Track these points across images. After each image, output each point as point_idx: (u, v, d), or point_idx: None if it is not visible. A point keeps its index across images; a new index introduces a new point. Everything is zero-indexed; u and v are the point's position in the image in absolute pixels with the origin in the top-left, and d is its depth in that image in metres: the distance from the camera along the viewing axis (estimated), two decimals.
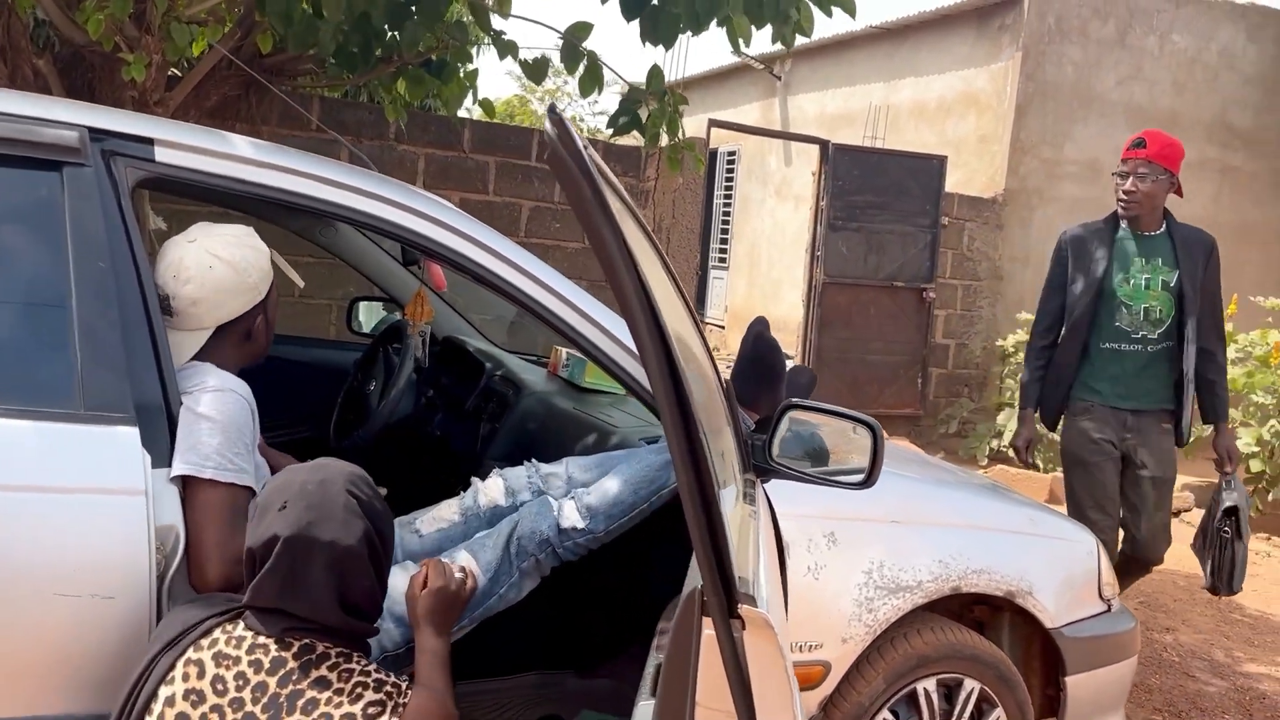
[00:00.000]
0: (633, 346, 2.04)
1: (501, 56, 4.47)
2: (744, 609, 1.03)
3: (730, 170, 12.77)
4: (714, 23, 3.80)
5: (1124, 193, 3.41)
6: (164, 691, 1.37)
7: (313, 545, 1.40)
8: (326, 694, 1.33)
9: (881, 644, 2.26)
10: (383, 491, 1.59)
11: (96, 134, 1.71)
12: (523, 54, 4.43)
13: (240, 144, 1.88)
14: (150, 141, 1.76)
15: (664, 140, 4.70)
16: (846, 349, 7.98)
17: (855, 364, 8.03)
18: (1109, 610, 2.66)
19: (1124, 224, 3.51)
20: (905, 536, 2.28)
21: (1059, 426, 3.66)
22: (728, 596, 1.02)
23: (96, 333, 1.60)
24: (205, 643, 1.39)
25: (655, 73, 4.46)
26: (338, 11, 3.74)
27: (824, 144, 7.83)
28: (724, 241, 12.90)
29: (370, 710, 1.34)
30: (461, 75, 4.88)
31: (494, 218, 6.42)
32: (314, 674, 1.35)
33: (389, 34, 4.55)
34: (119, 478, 1.54)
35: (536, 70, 4.61)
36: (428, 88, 4.86)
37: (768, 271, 11.67)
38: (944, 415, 8.44)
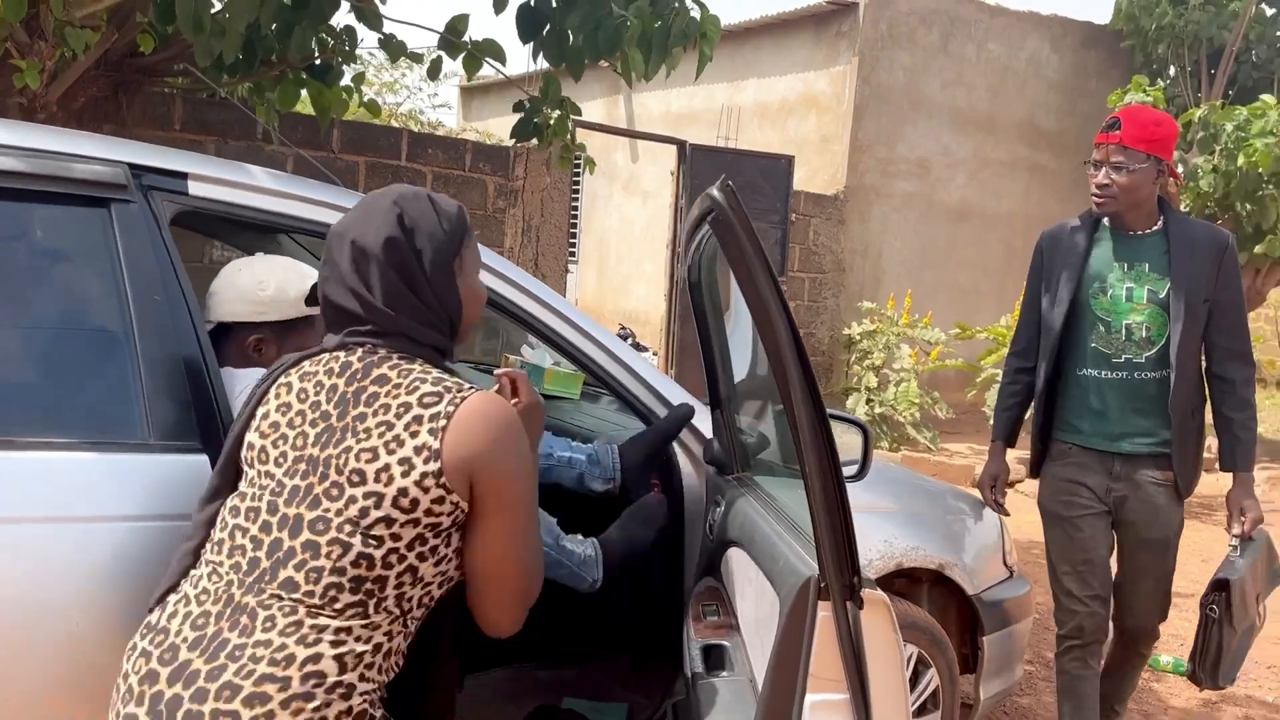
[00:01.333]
0: (621, 356, 2.21)
1: (393, 59, 4.51)
2: (865, 591, 1.23)
3: (577, 166, 12.93)
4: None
5: (1096, 187, 2.72)
6: (260, 410, 1.47)
7: (340, 239, 1.46)
8: (386, 388, 1.39)
9: None
10: None
11: (135, 170, 1.75)
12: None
13: (260, 175, 1.94)
14: (184, 176, 1.81)
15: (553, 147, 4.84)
16: None
17: None
18: (1011, 576, 3.02)
19: (1105, 221, 2.84)
20: (854, 522, 2.55)
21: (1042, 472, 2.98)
22: (855, 579, 1.22)
23: (158, 364, 1.65)
24: (294, 370, 1.48)
25: (551, 81, 4.60)
26: (244, 20, 3.71)
27: (682, 145, 8.12)
28: (572, 236, 13.07)
29: (426, 400, 1.38)
30: (348, 79, 4.88)
31: None
32: (375, 373, 1.41)
33: (270, 38, 4.51)
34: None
35: (432, 69, 4.67)
36: (305, 91, 4.84)
37: (616, 266, 11.93)
38: None
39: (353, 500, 1.34)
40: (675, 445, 2.26)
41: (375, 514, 1.33)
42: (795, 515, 1.61)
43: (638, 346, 9.50)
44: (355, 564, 1.33)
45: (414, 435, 1.35)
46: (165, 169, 1.79)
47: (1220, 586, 2.63)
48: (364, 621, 1.34)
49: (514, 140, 4.64)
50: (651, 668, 2.46)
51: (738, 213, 1.10)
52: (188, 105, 6.01)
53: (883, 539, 2.57)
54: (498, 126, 14.41)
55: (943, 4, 9.67)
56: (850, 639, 1.25)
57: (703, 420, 2.28)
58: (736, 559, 1.79)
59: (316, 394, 1.43)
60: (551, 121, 4.56)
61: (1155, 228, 2.77)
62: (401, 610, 1.38)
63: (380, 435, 1.36)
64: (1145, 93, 8.03)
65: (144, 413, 1.62)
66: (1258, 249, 8.12)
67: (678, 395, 2.29)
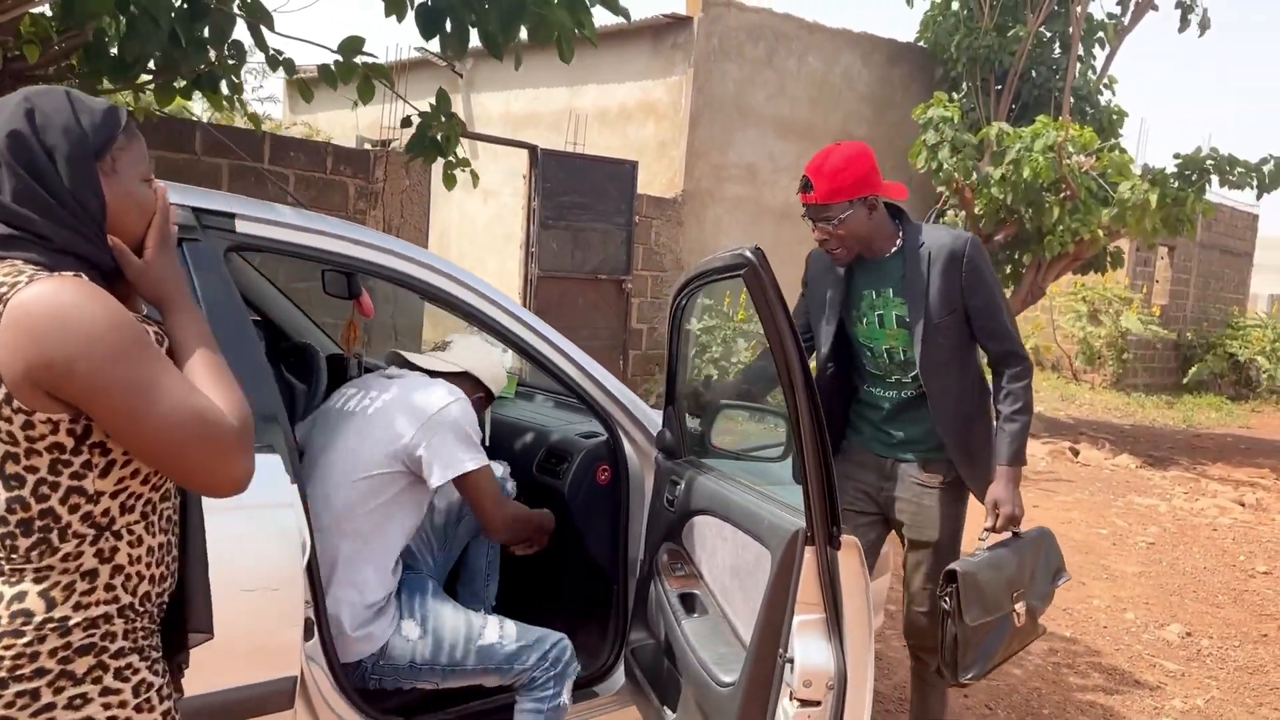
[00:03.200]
0: (573, 355, 2.62)
1: (289, 73, 4.71)
2: (844, 536, 1.72)
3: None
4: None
5: (819, 245, 2.75)
6: None
7: None
8: None
9: None
10: None
11: (198, 211, 2.03)
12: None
13: (288, 214, 2.24)
14: (231, 215, 2.10)
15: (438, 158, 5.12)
16: None
17: None
18: None
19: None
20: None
21: None
22: (834, 526, 1.70)
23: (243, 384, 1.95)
24: None
25: (443, 95, 4.90)
26: (158, 29, 3.84)
27: (533, 149, 8.49)
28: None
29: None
30: (226, 91, 5.02)
31: None
32: None
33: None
34: (278, 494, 1.93)
35: (307, 91, 4.88)
36: (180, 96, 4.94)
37: (459, 261, 12.08)
38: (643, 390, 9.48)
39: None
40: (622, 436, 2.69)
41: None
42: (765, 486, 2.08)
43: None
44: (11, 510, 1.25)
45: None
46: (218, 210, 2.08)
47: (949, 578, 2.51)
48: (59, 554, 1.26)
49: (410, 156, 4.90)
50: (591, 629, 2.86)
51: (765, 270, 1.55)
52: None
53: None
54: (325, 121, 14.28)
55: (768, 20, 10.41)
56: (829, 574, 1.73)
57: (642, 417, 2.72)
58: (702, 524, 2.25)
59: None
60: (447, 135, 4.84)
61: (895, 249, 2.76)
62: (100, 527, 1.29)
63: None
64: (945, 107, 9.01)
65: None
66: (1039, 248, 9.25)
67: (620, 390, 2.71)
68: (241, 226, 2.11)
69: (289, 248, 2.20)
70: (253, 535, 1.90)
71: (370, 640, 2.25)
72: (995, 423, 2.75)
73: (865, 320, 2.82)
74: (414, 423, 2.26)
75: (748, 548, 1.95)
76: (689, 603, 2.21)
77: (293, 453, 2.00)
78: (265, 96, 14.56)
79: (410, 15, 4.07)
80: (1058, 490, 7.99)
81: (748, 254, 1.54)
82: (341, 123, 13.15)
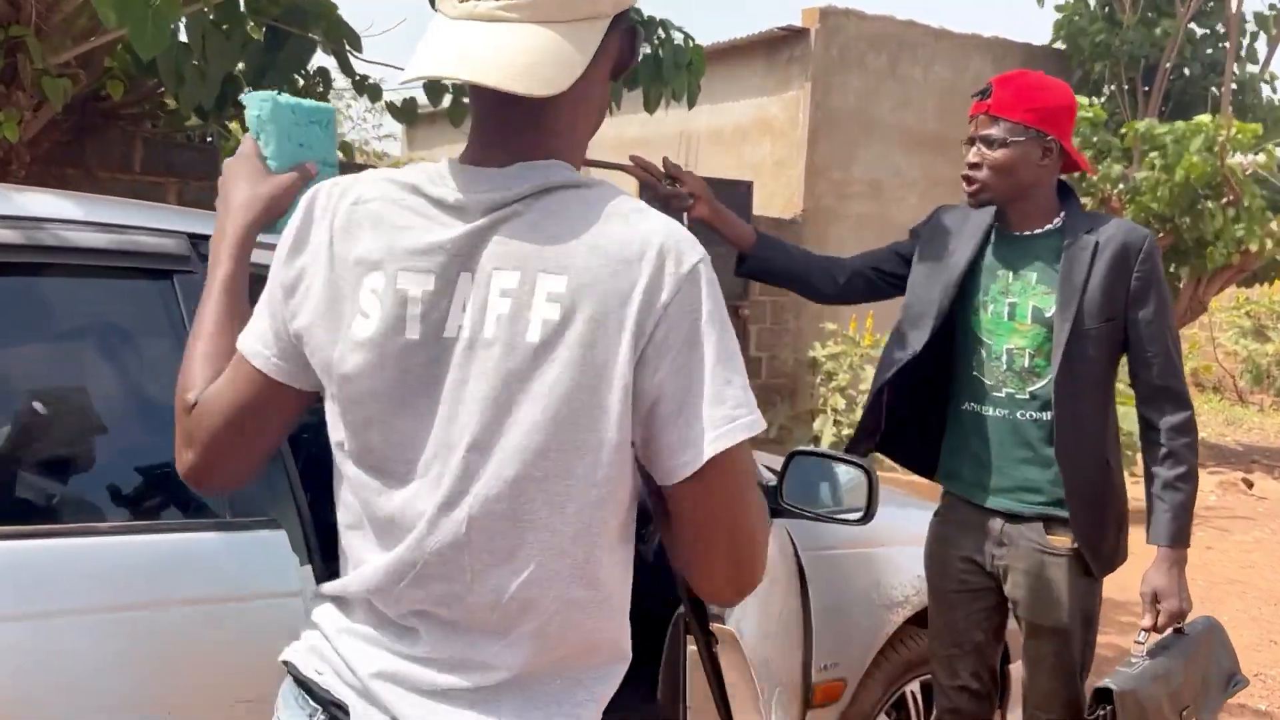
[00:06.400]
0: None
1: (373, 99, 4.50)
2: (714, 625, 1.34)
3: None
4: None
5: (966, 168, 2.18)
6: None
7: None
8: None
9: (881, 656, 2.54)
10: None
11: (193, 239, 1.71)
12: (388, 96, 4.48)
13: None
14: None
15: None
16: None
17: None
18: None
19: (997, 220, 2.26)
20: (891, 558, 2.58)
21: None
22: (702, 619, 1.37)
23: None
24: None
25: None
26: (224, 70, 3.66)
27: None
28: None
29: None
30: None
31: None
32: None
33: (243, 80, 4.46)
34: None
35: (405, 112, 4.66)
36: None
37: None
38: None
39: None
40: None
41: None
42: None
43: None
44: None
45: None
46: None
47: (1102, 698, 1.99)
48: None
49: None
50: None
51: None
52: (148, 147, 5.88)
53: (916, 574, 2.58)
54: (446, 156, 14.33)
55: (890, 28, 9.87)
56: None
57: None
58: None
59: None
60: None
61: (1050, 226, 2.19)
62: None
63: None
64: (1085, 109, 8.28)
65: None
66: (1201, 260, 8.39)
67: None
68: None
69: None
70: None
71: None
72: (1151, 489, 2.11)
73: (991, 307, 2.21)
74: None
75: None
76: None
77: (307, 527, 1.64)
78: (385, 134, 14.76)
79: None
80: (1233, 529, 7.13)
81: None
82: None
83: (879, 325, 9.00)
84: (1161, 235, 8.50)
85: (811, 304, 10.59)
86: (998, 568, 2.23)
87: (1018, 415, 2.18)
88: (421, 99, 4.53)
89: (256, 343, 1.10)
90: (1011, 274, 2.21)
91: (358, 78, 4.38)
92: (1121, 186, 8.24)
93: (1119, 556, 2.20)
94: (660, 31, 4.14)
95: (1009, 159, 2.11)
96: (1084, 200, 8.73)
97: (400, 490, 1.03)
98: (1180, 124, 8.13)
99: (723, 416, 0.99)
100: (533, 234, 1.00)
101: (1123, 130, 8.37)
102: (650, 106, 3.94)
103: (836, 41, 9.44)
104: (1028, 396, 2.17)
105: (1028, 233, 2.21)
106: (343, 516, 1.10)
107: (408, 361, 1.01)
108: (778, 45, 9.60)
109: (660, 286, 0.98)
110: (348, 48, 4.18)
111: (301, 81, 4.48)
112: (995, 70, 10.77)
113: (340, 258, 1.05)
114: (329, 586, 1.11)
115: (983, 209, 2.24)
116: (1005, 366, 2.19)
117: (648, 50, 4.08)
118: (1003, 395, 2.19)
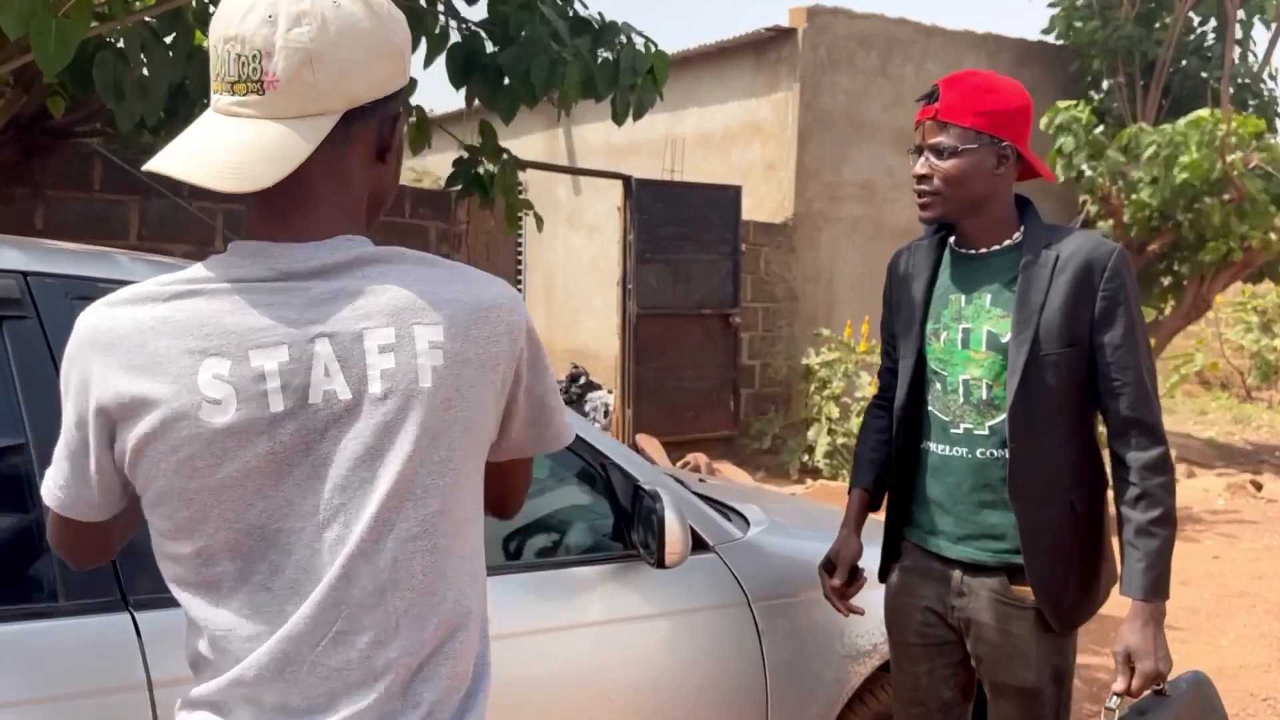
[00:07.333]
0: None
1: None
2: None
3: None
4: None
5: (915, 180, 1.97)
6: None
7: None
8: None
9: (848, 710, 2.33)
10: None
11: (27, 277, 1.51)
12: None
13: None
14: (89, 280, 1.57)
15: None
16: (663, 378, 8.14)
17: (672, 392, 8.20)
18: None
19: (953, 237, 2.05)
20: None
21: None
22: None
23: None
24: None
25: (487, 130, 4.40)
26: (166, 82, 3.46)
27: (627, 179, 7.95)
28: (518, 272, 12.84)
29: None
30: None
31: None
32: None
33: (195, 91, 4.28)
34: None
35: None
36: None
37: (565, 301, 11.71)
38: (755, 431, 8.76)
39: None
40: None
41: None
42: None
43: (590, 385, 9.28)
44: None
45: None
46: (63, 274, 1.55)
47: None
48: None
49: (455, 194, 4.42)
50: None
51: None
52: (107, 165, 5.69)
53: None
54: (434, 163, 14.15)
55: (881, 26, 9.65)
56: None
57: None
58: None
59: None
60: (493, 173, 4.34)
61: (1009, 241, 1.97)
62: None
63: None
64: (1072, 109, 8.04)
65: None
66: (1201, 257, 8.14)
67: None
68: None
69: None
70: None
71: None
72: (1123, 535, 1.86)
73: (944, 334, 1.99)
74: None
75: None
76: None
77: None
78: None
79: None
80: (1241, 535, 6.88)
81: None
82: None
83: (874, 330, 8.79)
84: (1161, 233, 8.26)
85: (804, 310, 10.42)
86: (959, 620, 2.00)
87: (978, 454, 1.95)
88: None
89: (78, 503, 1.12)
90: (964, 297, 1.99)
91: None
92: (1121, 183, 8.00)
93: (1084, 610, 1.95)
94: (622, 37, 3.94)
95: (960, 169, 1.90)
96: (1083, 198, 8.49)
97: (292, 558, 1.06)
98: (1168, 127, 7.91)
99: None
100: (388, 292, 1.07)
101: (1122, 133, 8.13)
102: (618, 118, 3.73)
103: (825, 41, 9.22)
104: (987, 432, 1.94)
105: (984, 250, 1.99)
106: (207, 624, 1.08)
107: (277, 433, 1.03)
108: (765, 46, 9.38)
109: (513, 330, 1.16)
110: None
111: None
112: (990, 67, 10.54)
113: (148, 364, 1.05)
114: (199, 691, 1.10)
115: (926, 235, 2.09)
116: (963, 399, 1.97)
117: (609, 56, 3.86)
118: (960, 432, 1.97)
